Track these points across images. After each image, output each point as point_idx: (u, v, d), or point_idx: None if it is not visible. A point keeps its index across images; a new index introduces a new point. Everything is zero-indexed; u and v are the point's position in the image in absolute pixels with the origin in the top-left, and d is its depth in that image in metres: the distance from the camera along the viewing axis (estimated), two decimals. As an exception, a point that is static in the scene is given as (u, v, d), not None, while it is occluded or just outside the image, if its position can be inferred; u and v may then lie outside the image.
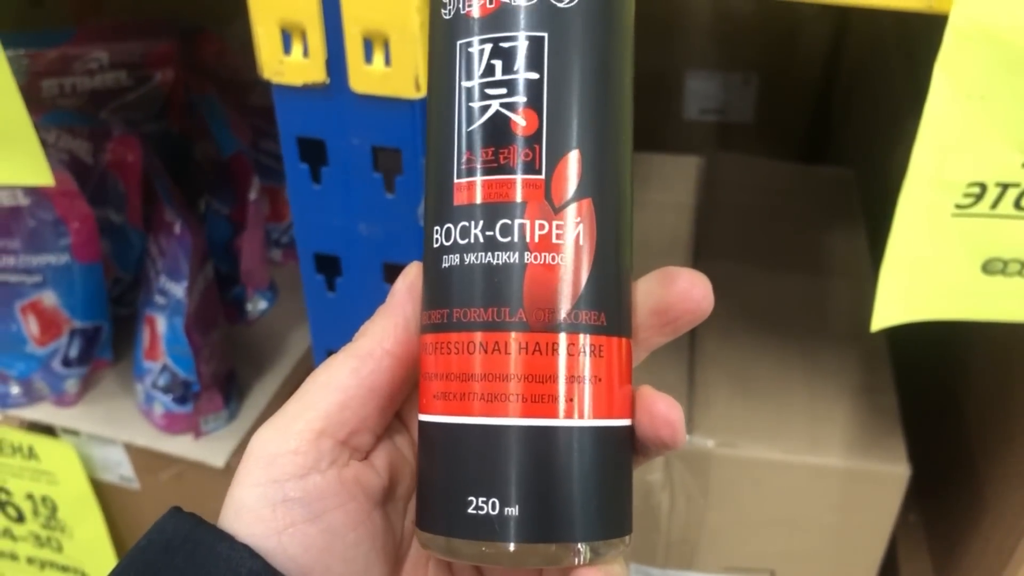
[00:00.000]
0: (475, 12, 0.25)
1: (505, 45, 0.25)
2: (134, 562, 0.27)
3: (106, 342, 0.76)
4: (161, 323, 0.69)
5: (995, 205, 0.40)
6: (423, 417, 0.27)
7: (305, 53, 0.42)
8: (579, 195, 0.26)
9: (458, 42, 0.25)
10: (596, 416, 0.26)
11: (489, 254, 0.25)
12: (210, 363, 0.70)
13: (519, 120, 0.25)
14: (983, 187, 0.39)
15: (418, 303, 0.28)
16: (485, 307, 0.25)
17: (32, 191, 0.68)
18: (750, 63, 1.09)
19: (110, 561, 0.80)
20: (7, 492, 0.78)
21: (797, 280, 0.72)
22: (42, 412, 0.75)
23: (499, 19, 0.25)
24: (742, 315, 0.69)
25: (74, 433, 0.74)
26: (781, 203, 0.80)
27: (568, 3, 0.25)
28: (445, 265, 0.26)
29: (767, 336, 0.67)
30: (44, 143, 0.72)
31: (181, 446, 0.72)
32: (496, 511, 0.25)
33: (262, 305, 0.83)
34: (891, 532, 0.61)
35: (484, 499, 0.25)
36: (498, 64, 0.25)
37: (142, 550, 0.27)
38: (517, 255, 0.25)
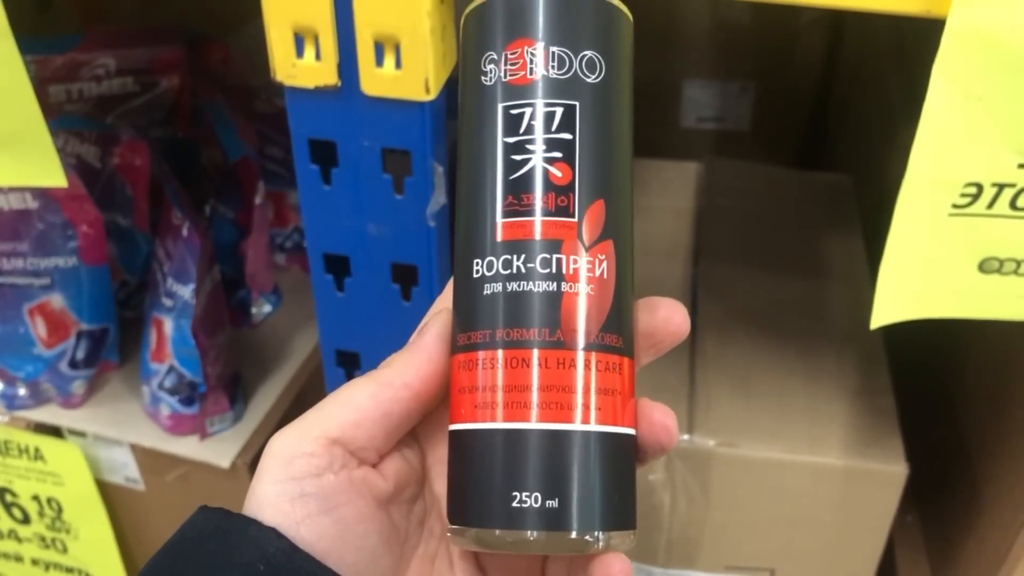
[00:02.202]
0: (517, 81, 0.30)
1: (545, 110, 0.29)
2: (168, 553, 0.29)
3: (112, 344, 0.77)
4: (168, 325, 0.70)
5: (991, 205, 0.41)
6: (466, 425, 0.30)
7: (317, 56, 0.43)
8: (604, 236, 0.30)
9: (500, 104, 0.30)
10: (615, 423, 0.30)
11: (531, 283, 0.29)
12: (216, 365, 0.71)
13: (556, 172, 0.29)
14: (979, 187, 0.40)
15: (446, 347, 0.32)
16: (527, 328, 0.29)
17: (41, 194, 0.69)
18: (747, 72, 1.10)
19: (115, 562, 0.80)
20: (13, 493, 0.78)
21: (795, 283, 0.73)
22: (49, 413, 0.76)
23: (539, 88, 0.29)
24: (741, 317, 0.70)
25: (80, 434, 0.75)
26: (779, 208, 0.81)
27: (595, 79, 0.30)
28: (487, 292, 0.30)
29: (766, 338, 0.68)
30: (52, 147, 0.74)
31: (187, 447, 0.73)
32: (538, 504, 0.28)
33: (267, 308, 0.84)
34: (889, 531, 0.62)
35: (527, 493, 0.28)
36: (537, 125, 0.29)
37: (175, 544, 0.30)
38: (555, 284, 0.29)
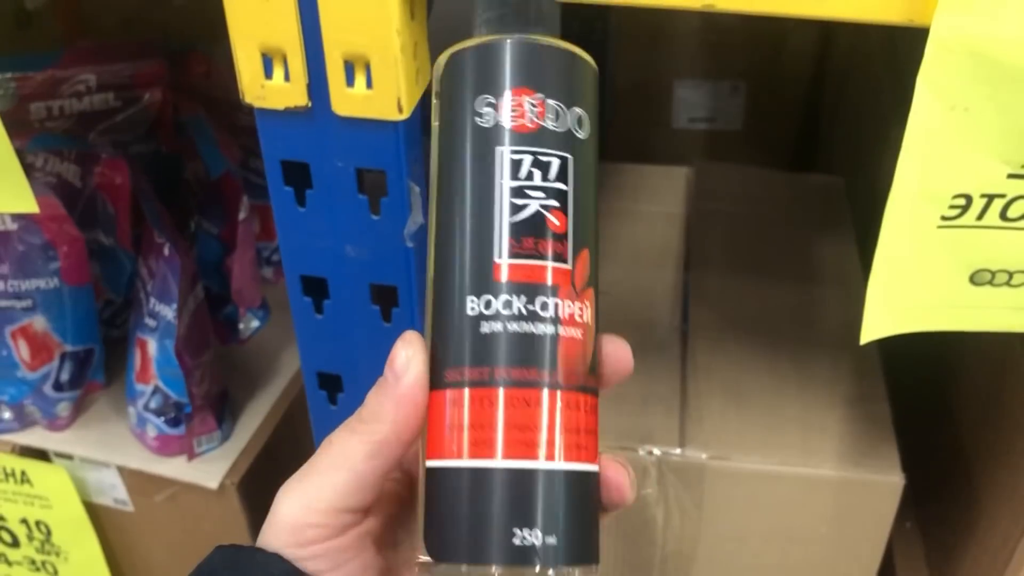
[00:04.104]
0: (519, 128, 0.31)
1: (543, 159, 0.30)
2: None
3: (98, 365, 0.76)
4: (152, 345, 0.69)
5: (981, 216, 0.40)
6: (460, 462, 0.30)
7: (286, 77, 0.42)
8: (588, 284, 0.32)
9: (500, 148, 0.31)
10: (594, 462, 0.32)
11: (530, 324, 0.30)
12: (202, 385, 0.70)
13: (553, 220, 0.30)
14: (968, 199, 0.39)
15: (425, 394, 0.31)
16: (528, 367, 0.30)
17: (20, 216, 0.68)
18: (738, 71, 1.09)
19: (106, 584, 0.79)
20: (1, 517, 0.78)
21: (788, 289, 0.72)
22: (34, 437, 0.75)
23: (539, 137, 0.31)
24: (733, 325, 0.69)
25: (67, 457, 0.74)
26: (771, 212, 0.80)
27: (583, 135, 0.32)
28: (486, 331, 0.30)
29: (759, 346, 0.67)
30: (32, 167, 0.73)
31: (175, 468, 0.72)
32: (539, 541, 0.29)
33: (254, 324, 0.83)
34: (886, 541, 0.61)
35: (528, 530, 0.29)
36: (537, 172, 0.30)
37: None
38: (552, 327, 0.30)
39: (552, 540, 0.29)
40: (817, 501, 0.59)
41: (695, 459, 0.59)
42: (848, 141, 0.99)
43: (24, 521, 0.77)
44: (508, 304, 0.30)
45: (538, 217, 0.30)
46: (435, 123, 0.33)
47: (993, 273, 0.41)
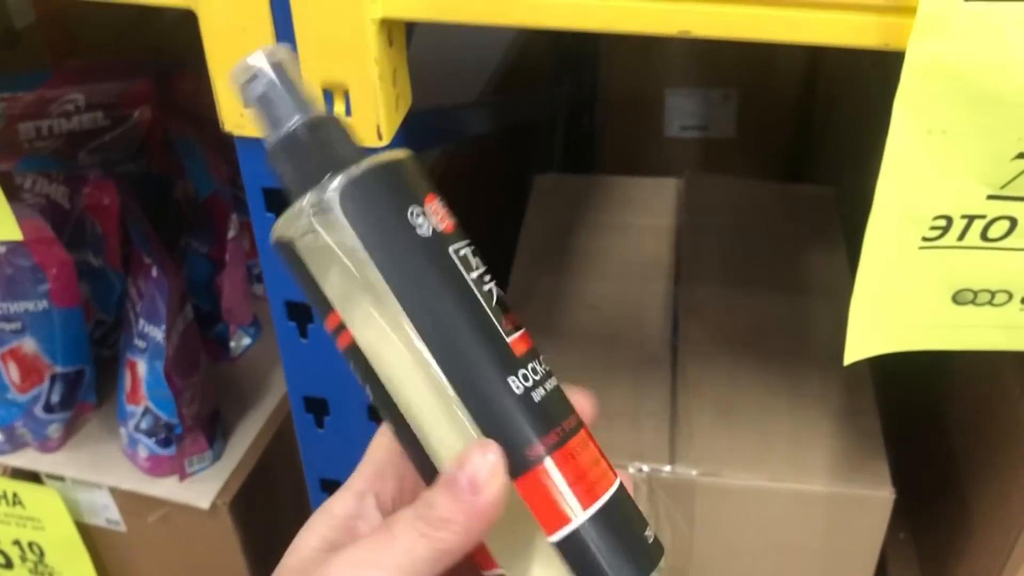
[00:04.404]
0: (447, 228, 0.33)
1: (471, 248, 0.34)
2: None
3: (89, 385, 0.76)
4: (141, 367, 0.69)
5: (962, 237, 0.39)
6: (595, 505, 0.32)
7: (266, 106, 0.42)
8: None
9: (449, 249, 0.33)
10: None
11: (552, 379, 0.33)
12: (192, 405, 0.70)
13: (503, 294, 0.34)
14: (949, 220, 0.39)
15: (504, 500, 0.31)
16: (571, 413, 0.33)
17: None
18: (730, 79, 1.09)
19: (100, 604, 0.79)
20: (-6, 539, 0.78)
21: (778, 301, 0.71)
22: (25, 459, 0.75)
23: (460, 231, 0.34)
24: (723, 339, 0.69)
25: (59, 479, 0.74)
26: (761, 223, 0.80)
27: None
28: (538, 399, 0.32)
29: (749, 360, 0.67)
30: (20, 188, 0.73)
31: (166, 488, 0.72)
32: (654, 537, 0.34)
33: (245, 341, 0.83)
34: (878, 555, 0.61)
35: (648, 530, 0.34)
36: (476, 260, 0.33)
37: None
38: (556, 378, 0.34)
39: (654, 531, 0.34)
40: (808, 516, 0.59)
41: (685, 476, 0.59)
42: (841, 148, 0.99)
43: (17, 543, 0.77)
44: (535, 371, 0.33)
45: (501, 295, 0.34)
46: (356, 251, 0.32)
47: (975, 292, 0.41)
